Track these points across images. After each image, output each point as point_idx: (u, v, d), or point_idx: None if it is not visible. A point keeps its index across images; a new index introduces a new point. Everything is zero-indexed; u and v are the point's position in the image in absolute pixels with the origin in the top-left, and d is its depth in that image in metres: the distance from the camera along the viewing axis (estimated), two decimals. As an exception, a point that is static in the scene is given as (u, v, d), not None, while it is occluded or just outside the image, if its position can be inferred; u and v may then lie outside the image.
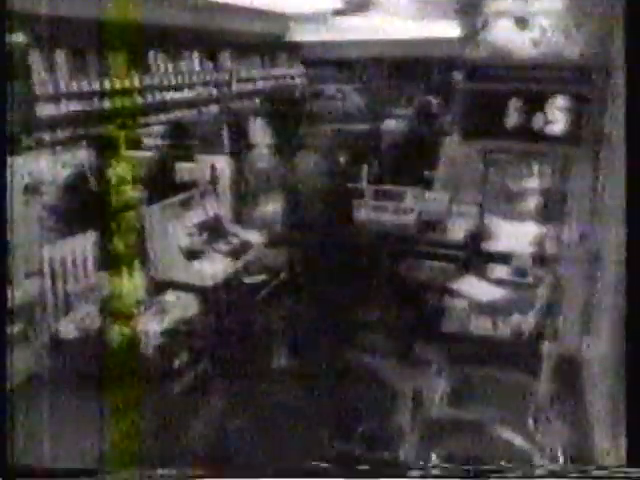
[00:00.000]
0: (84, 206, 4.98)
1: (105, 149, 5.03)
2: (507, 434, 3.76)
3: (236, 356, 5.07)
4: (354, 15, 6.94)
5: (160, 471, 2.50)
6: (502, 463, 2.82)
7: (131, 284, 4.84)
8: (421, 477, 2.50)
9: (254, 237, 5.89)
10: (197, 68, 6.05)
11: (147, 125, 5.76)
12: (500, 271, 5.31)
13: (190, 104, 5.94)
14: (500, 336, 4.51)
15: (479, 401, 4.06)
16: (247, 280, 5.46)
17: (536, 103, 4.91)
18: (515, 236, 5.51)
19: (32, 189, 4.38)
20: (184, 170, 5.97)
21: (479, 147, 5.54)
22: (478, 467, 2.54)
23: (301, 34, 7.95)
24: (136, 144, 6.01)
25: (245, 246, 5.74)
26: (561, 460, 3.58)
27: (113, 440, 3.98)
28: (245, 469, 2.68)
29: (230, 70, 6.60)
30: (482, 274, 5.27)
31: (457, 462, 3.46)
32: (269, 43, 7.60)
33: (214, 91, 6.31)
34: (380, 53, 8.47)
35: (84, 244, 4.78)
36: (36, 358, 4.24)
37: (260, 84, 7.25)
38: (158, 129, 6.45)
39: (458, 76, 5.78)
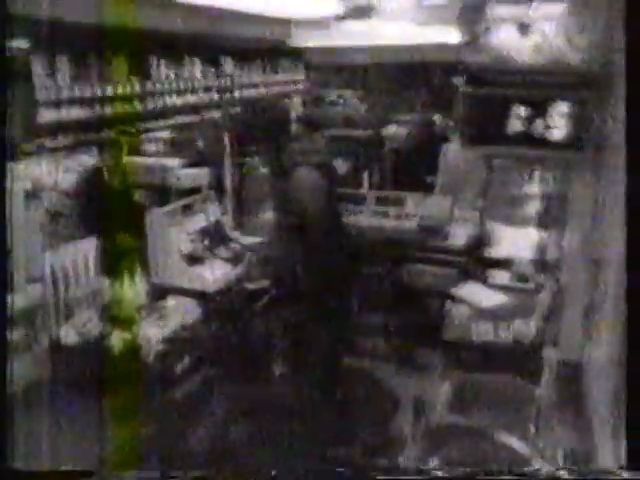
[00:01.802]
0: (85, 212, 4.99)
1: (106, 155, 5.04)
2: (508, 440, 3.75)
3: (237, 362, 5.07)
4: (356, 21, 6.95)
5: (160, 476, 2.50)
6: (503, 469, 2.81)
7: (132, 290, 4.84)
8: (422, 483, 2.50)
9: (255, 243, 5.89)
10: (198, 74, 6.05)
11: (148, 131, 5.77)
12: (501, 277, 5.30)
13: (192, 110, 5.94)
14: (501, 342, 4.50)
15: (480, 407, 4.05)
16: (249, 286, 5.46)
17: (537, 109, 4.90)
18: (516, 242, 5.51)
19: (33, 195, 4.38)
20: (186, 176, 5.97)
21: (480, 153, 5.53)
22: (479, 473, 2.53)
23: (303, 40, 7.95)
24: (137, 150, 6.02)
25: (246, 252, 5.74)
26: (562, 465, 3.57)
27: (114, 446, 3.98)
28: (245, 474, 2.67)
29: (232, 76, 6.61)
30: (483, 280, 5.27)
31: (458, 468, 3.45)
32: (271, 49, 7.61)
33: (216, 97, 6.31)
34: (382, 58, 8.47)
35: (85, 250, 4.78)
36: (37, 364, 4.24)
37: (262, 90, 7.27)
38: (159, 135, 6.45)
39: (459, 81, 5.79)
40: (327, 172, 5.13)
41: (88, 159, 5.16)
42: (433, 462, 3.62)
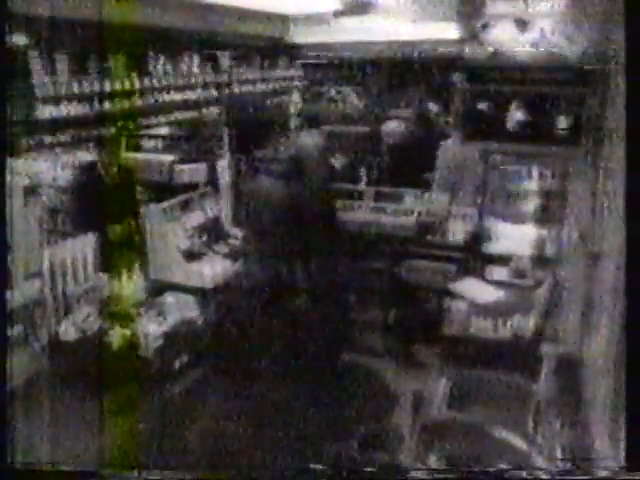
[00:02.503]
0: (84, 208, 4.98)
1: (105, 151, 5.03)
2: (507, 436, 3.75)
3: (236, 358, 5.06)
4: (354, 17, 6.95)
5: (159, 473, 2.50)
6: (502, 465, 2.81)
7: (131, 286, 4.84)
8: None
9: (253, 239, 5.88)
10: (197, 70, 6.05)
11: (147, 127, 5.77)
12: (500, 273, 5.31)
13: (190, 106, 5.94)
14: (500, 338, 4.50)
15: (479, 403, 4.05)
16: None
17: (536, 104, 4.91)
18: (515, 238, 5.51)
19: (32, 191, 4.38)
20: (184, 172, 5.96)
21: (479, 149, 5.54)
22: (478, 469, 2.53)
23: (301, 36, 7.95)
24: (136, 146, 6.01)
25: (245, 248, 5.73)
26: (560, 462, 3.57)
27: (112, 442, 3.98)
28: (243, 471, 2.67)
29: (230, 72, 6.60)
30: (482, 276, 5.27)
31: (457, 464, 3.45)
32: (269, 45, 7.60)
33: (214, 93, 6.31)
34: (380, 55, 8.46)
35: (84, 246, 4.77)
36: (35, 360, 4.23)
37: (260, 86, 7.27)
38: (158, 131, 6.44)
39: (458, 78, 5.79)
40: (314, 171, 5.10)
41: (86, 155, 5.15)
42: (431, 458, 3.63)
